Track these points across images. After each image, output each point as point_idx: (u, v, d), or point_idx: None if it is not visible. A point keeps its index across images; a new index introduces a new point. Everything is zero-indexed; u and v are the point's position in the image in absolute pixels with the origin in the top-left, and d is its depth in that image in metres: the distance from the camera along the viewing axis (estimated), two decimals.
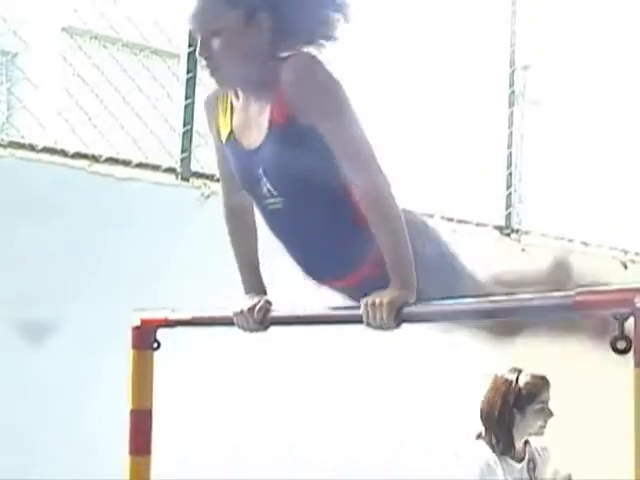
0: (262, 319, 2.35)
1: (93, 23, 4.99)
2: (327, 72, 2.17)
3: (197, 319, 2.58)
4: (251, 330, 2.39)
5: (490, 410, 3.47)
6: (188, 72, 4.15)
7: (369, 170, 2.14)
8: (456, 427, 4.10)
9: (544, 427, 3.49)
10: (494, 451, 3.43)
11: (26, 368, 3.48)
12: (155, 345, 2.66)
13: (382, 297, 2.05)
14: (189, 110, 4.12)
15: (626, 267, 5.51)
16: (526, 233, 5.30)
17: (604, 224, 5.70)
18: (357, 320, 2.09)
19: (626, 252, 5.66)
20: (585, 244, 5.57)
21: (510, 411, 3.44)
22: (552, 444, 3.66)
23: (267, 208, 2.30)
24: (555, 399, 3.54)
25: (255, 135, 2.24)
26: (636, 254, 5.68)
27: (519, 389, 3.47)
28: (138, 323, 2.66)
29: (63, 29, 8.71)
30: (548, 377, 3.53)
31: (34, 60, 7.16)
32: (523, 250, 5.18)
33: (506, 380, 3.50)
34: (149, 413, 2.64)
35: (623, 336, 1.58)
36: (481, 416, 3.49)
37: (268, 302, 2.38)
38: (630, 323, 1.56)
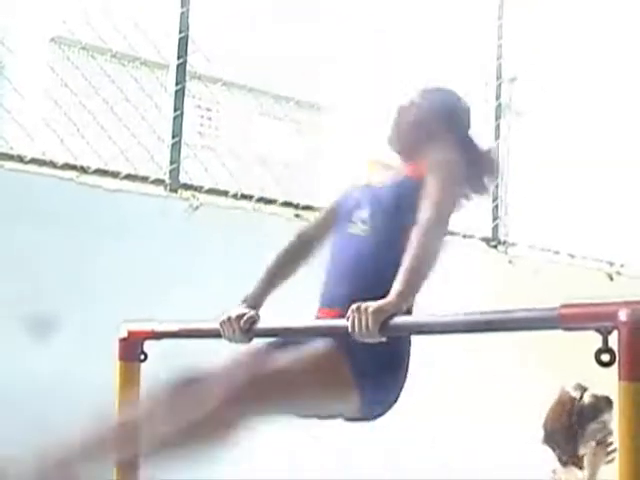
0: (248, 329, 2.37)
1: (81, 34, 5.01)
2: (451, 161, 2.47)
3: (184, 331, 2.59)
4: (236, 341, 2.41)
5: (554, 422, 3.55)
6: (177, 84, 4.14)
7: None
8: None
9: (611, 454, 3.53)
10: (558, 459, 3.51)
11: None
12: (142, 357, 2.67)
13: (370, 305, 2.08)
14: (178, 122, 4.12)
15: (612, 279, 5.53)
16: (513, 245, 5.32)
17: (590, 236, 5.73)
18: (343, 331, 2.10)
19: (612, 264, 5.68)
20: (571, 256, 5.60)
21: (572, 426, 3.50)
22: None
23: (346, 231, 2.47)
24: None
25: (386, 178, 2.51)
26: (621, 266, 5.70)
27: (582, 407, 3.53)
28: (125, 335, 2.67)
29: (52, 39, 8.72)
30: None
31: (22, 70, 7.16)
32: (510, 262, 5.19)
33: (571, 397, 3.56)
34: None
35: (608, 349, 1.59)
36: (545, 426, 3.56)
37: (256, 314, 2.40)
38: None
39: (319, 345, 2.29)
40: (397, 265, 2.25)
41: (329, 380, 2.27)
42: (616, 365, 1.57)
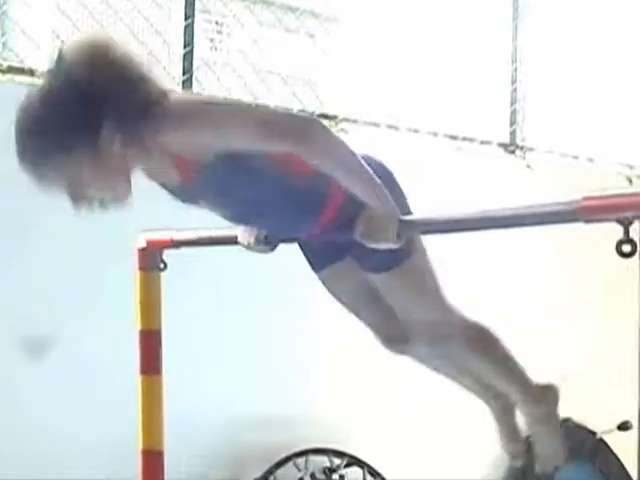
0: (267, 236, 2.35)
1: None
2: (177, 109, 2.06)
3: (203, 239, 2.58)
4: (259, 250, 2.39)
5: None
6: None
7: (269, 127, 2.03)
8: None
9: None
10: None
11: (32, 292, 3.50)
12: (162, 266, 2.67)
13: (376, 220, 2.04)
14: (189, 31, 4.08)
15: (631, 182, 5.49)
16: (530, 150, 5.26)
17: (609, 139, 5.67)
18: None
19: (631, 167, 5.63)
20: (590, 160, 5.54)
21: None
22: None
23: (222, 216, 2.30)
24: None
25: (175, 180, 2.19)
26: None
27: None
28: (144, 244, 2.65)
29: None
30: None
31: None
32: (528, 167, 5.16)
33: None
34: (158, 333, 2.66)
35: (629, 240, 1.59)
36: None
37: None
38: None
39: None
40: (287, 187, 2.15)
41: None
42: (637, 256, 1.57)
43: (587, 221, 1.69)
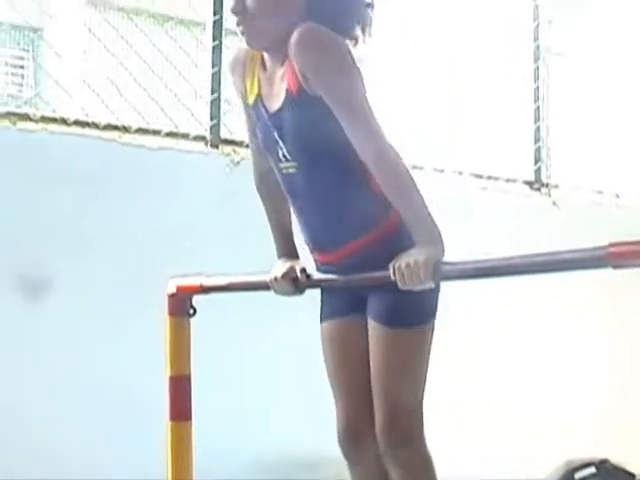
0: (298, 283, 2.36)
1: None
2: (326, 36, 2.17)
3: (233, 285, 2.58)
4: (287, 294, 2.40)
5: None
6: (214, 40, 4.14)
7: (370, 137, 2.13)
8: None
9: None
10: None
11: (58, 330, 3.51)
12: (191, 312, 2.66)
13: (416, 257, 2.04)
14: (216, 78, 4.12)
15: None
16: (556, 187, 5.25)
17: (634, 175, 5.64)
18: (390, 283, 2.08)
19: None
20: (616, 196, 5.52)
21: None
22: None
23: (282, 172, 2.32)
24: None
25: (276, 100, 2.26)
26: None
27: None
28: (174, 290, 2.66)
29: (87, 1, 8.70)
30: None
31: (60, 33, 7.16)
32: (554, 204, 5.14)
33: None
34: (188, 379, 2.65)
35: None
36: None
37: (302, 268, 2.38)
38: None
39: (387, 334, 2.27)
40: (353, 180, 2.23)
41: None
42: None
43: (615, 267, 1.68)
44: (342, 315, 2.42)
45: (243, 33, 2.28)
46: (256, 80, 2.34)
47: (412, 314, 2.25)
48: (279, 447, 3.79)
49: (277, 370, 3.88)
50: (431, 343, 2.31)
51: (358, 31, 2.27)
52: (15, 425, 3.38)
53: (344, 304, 2.41)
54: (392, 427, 2.27)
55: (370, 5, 2.29)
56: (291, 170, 2.28)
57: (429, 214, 2.10)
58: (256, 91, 2.34)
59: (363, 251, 2.26)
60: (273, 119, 2.27)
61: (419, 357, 2.30)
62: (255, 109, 2.35)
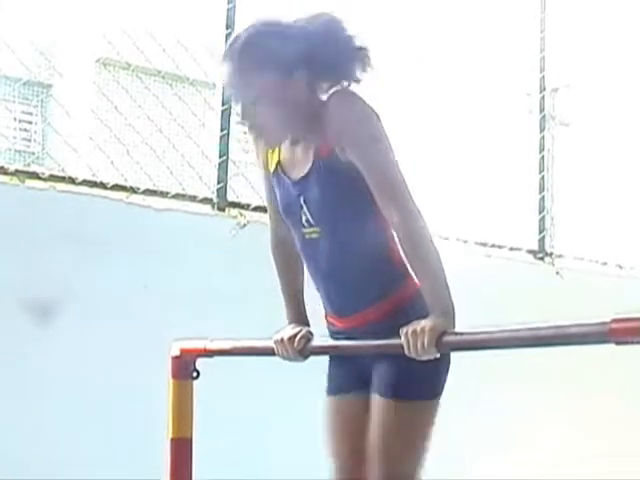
0: (302, 349, 2.39)
1: (127, 54, 5.07)
2: (362, 104, 2.26)
3: (237, 349, 2.60)
4: (291, 359, 2.42)
5: None
6: (223, 104, 4.19)
7: (401, 202, 2.19)
8: None
9: None
10: None
11: (67, 386, 3.53)
12: (195, 374, 2.68)
13: (423, 325, 2.08)
14: (224, 141, 4.17)
15: None
16: (560, 257, 5.29)
17: (637, 246, 5.68)
18: (398, 349, 2.11)
19: None
20: (620, 267, 5.55)
21: None
22: None
23: (304, 237, 2.36)
24: None
25: (301, 168, 2.33)
26: None
27: None
28: (177, 353, 2.68)
29: (97, 60, 8.83)
30: None
31: (69, 92, 7.26)
32: (557, 273, 5.17)
33: None
34: (190, 442, 2.66)
35: None
36: None
37: (309, 332, 2.41)
38: None
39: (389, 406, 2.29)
40: (374, 248, 2.28)
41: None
42: None
43: (618, 343, 1.70)
44: (348, 391, 2.45)
45: (258, 138, 2.39)
46: (277, 152, 2.41)
47: (418, 388, 2.27)
48: None
49: (275, 432, 3.89)
50: (434, 419, 2.32)
51: (360, 74, 2.33)
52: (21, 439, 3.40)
53: (350, 380, 2.44)
54: None
55: (364, 48, 2.33)
56: (314, 235, 2.33)
57: (447, 286, 2.15)
58: (277, 158, 2.40)
59: (376, 320, 2.30)
60: (298, 186, 2.32)
61: (420, 432, 2.31)
62: (276, 176, 2.41)
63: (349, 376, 2.45)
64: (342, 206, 2.28)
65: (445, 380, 2.34)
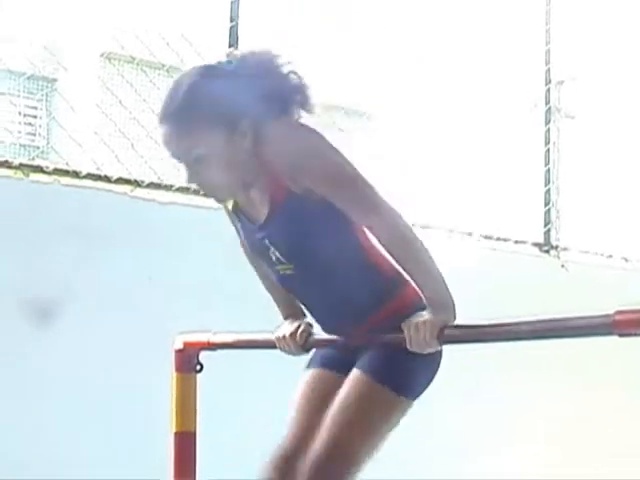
0: (304, 343, 2.39)
1: (131, 48, 5.07)
2: (300, 134, 2.17)
3: (240, 342, 2.61)
4: (293, 354, 2.42)
5: None
6: None
7: (377, 209, 2.13)
8: None
9: None
10: None
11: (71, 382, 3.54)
12: (198, 368, 2.68)
13: (425, 318, 2.08)
14: None
15: None
16: (565, 250, 5.28)
17: None
18: (400, 343, 2.11)
19: None
20: (625, 259, 5.55)
21: None
22: None
23: (279, 273, 2.30)
24: None
25: (259, 211, 2.24)
26: None
27: None
28: (181, 346, 2.68)
29: (102, 55, 8.82)
30: None
31: (74, 86, 7.26)
32: (562, 266, 5.17)
33: None
34: (193, 435, 2.66)
35: None
36: None
37: (309, 325, 2.41)
38: None
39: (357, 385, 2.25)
40: (356, 265, 2.23)
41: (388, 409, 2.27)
42: None
43: (621, 335, 1.70)
44: (331, 369, 2.42)
45: (209, 195, 2.28)
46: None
47: (398, 380, 2.24)
48: None
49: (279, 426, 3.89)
50: (398, 420, 2.27)
51: (300, 111, 2.25)
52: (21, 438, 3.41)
53: (336, 362, 2.41)
54: (320, 464, 2.20)
55: (304, 85, 2.24)
56: (288, 272, 2.26)
57: (443, 280, 2.12)
58: (232, 202, 2.33)
59: (376, 324, 2.28)
60: (261, 231, 2.24)
61: (379, 422, 2.26)
62: (237, 217, 2.34)
63: (336, 358, 2.42)
64: (311, 238, 2.20)
65: (427, 384, 2.31)
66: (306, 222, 2.19)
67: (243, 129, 2.15)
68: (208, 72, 2.19)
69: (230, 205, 2.35)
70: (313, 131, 2.17)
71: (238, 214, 2.33)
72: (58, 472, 3.32)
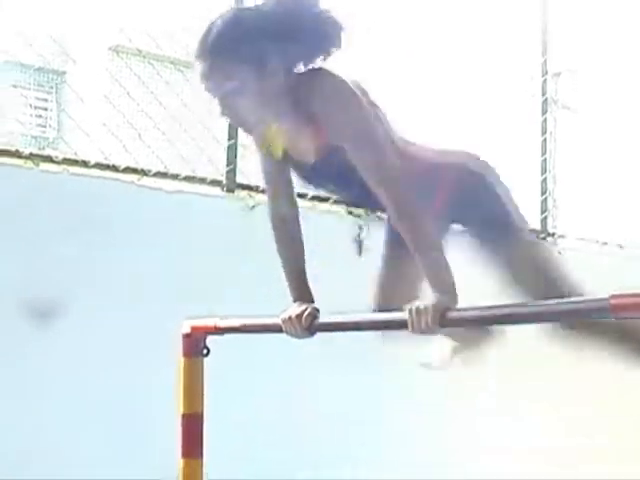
0: (309, 326, 2.38)
1: (139, 42, 5.06)
2: (341, 87, 2.21)
3: (246, 326, 2.60)
4: (298, 337, 2.41)
5: None
6: None
7: (390, 182, 2.16)
8: None
9: None
10: None
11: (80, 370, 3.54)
12: (205, 352, 2.68)
13: (427, 303, 2.07)
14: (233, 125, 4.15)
15: None
16: (561, 237, 5.28)
17: (638, 226, 5.67)
18: (401, 325, 2.10)
19: None
20: (620, 246, 5.54)
21: None
22: None
23: None
24: None
25: (305, 153, 2.32)
26: None
27: None
28: (188, 330, 2.68)
29: (110, 48, 8.82)
30: None
31: (83, 78, 7.25)
32: (559, 253, 5.16)
33: None
34: (200, 417, 2.66)
35: None
36: None
37: (315, 309, 2.40)
38: None
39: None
40: None
41: None
42: None
43: (617, 318, 1.70)
44: None
45: (248, 132, 2.34)
46: (274, 138, 2.36)
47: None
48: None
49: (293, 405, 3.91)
50: None
51: (334, 48, 2.28)
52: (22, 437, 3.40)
53: None
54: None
55: (337, 23, 2.27)
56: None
57: (447, 265, 2.13)
58: (281, 148, 2.36)
59: None
60: (309, 170, 2.36)
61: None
62: (286, 163, 2.40)
63: None
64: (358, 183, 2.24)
65: None
66: (346, 166, 2.21)
67: (273, 67, 2.20)
68: (242, 11, 2.28)
69: (277, 153, 2.36)
70: (351, 88, 2.20)
71: (287, 159, 2.37)
72: (58, 472, 3.32)
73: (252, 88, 2.20)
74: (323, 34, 2.25)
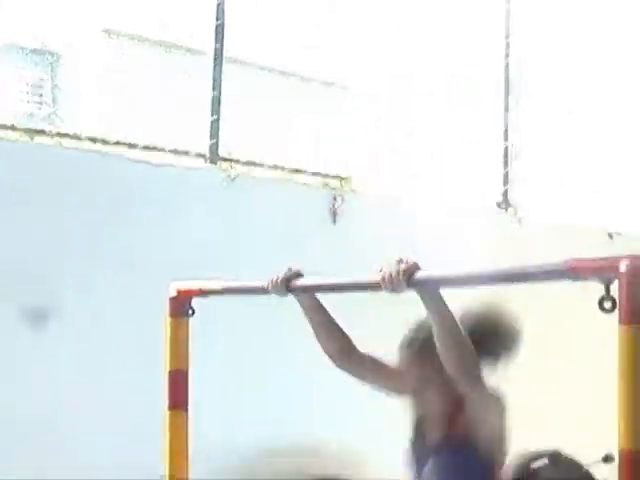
0: (288, 286, 2.37)
1: (128, 25, 5.01)
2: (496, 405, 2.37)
3: (229, 289, 2.61)
4: (277, 293, 2.41)
5: None
6: (214, 67, 4.15)
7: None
8: None
9: None
10: None
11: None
12: (190, 312, 2.67)
13: (402, 262, 2.08)
14: (216, 101, 4.14)
15: (611, 237, 5.54)
16: (522, 208, 5.33)
17: (591, 200, 5.70)
18: (374, 286, 2.12)
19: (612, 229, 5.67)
20: (575, 219, 5.58)
21: None
22: None
23: None
24: None
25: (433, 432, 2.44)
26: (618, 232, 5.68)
27: None
28: (175, 293, 2.67)
29: (104, 29, 8.71)
30: None
31: (77, 58, 7.16)
32: (519, 223, 5.22)
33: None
34: (185, 373, 2.66)
35: (609, 297, 1.59)
36: None
37: (297, 272, 2.40)
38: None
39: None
40: None
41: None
42: (616, 312, 1.59)
43: (574, 279, 1.71)
44: None
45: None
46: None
47: None
48: (275, 434, 3.80)
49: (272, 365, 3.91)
50: None
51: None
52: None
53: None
54: None
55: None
56: None
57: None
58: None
59: None
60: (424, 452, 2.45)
61: None
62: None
63: None
64: None
65: None
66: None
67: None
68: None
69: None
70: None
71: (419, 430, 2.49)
72: (59, 472, 3.30)
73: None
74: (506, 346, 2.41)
